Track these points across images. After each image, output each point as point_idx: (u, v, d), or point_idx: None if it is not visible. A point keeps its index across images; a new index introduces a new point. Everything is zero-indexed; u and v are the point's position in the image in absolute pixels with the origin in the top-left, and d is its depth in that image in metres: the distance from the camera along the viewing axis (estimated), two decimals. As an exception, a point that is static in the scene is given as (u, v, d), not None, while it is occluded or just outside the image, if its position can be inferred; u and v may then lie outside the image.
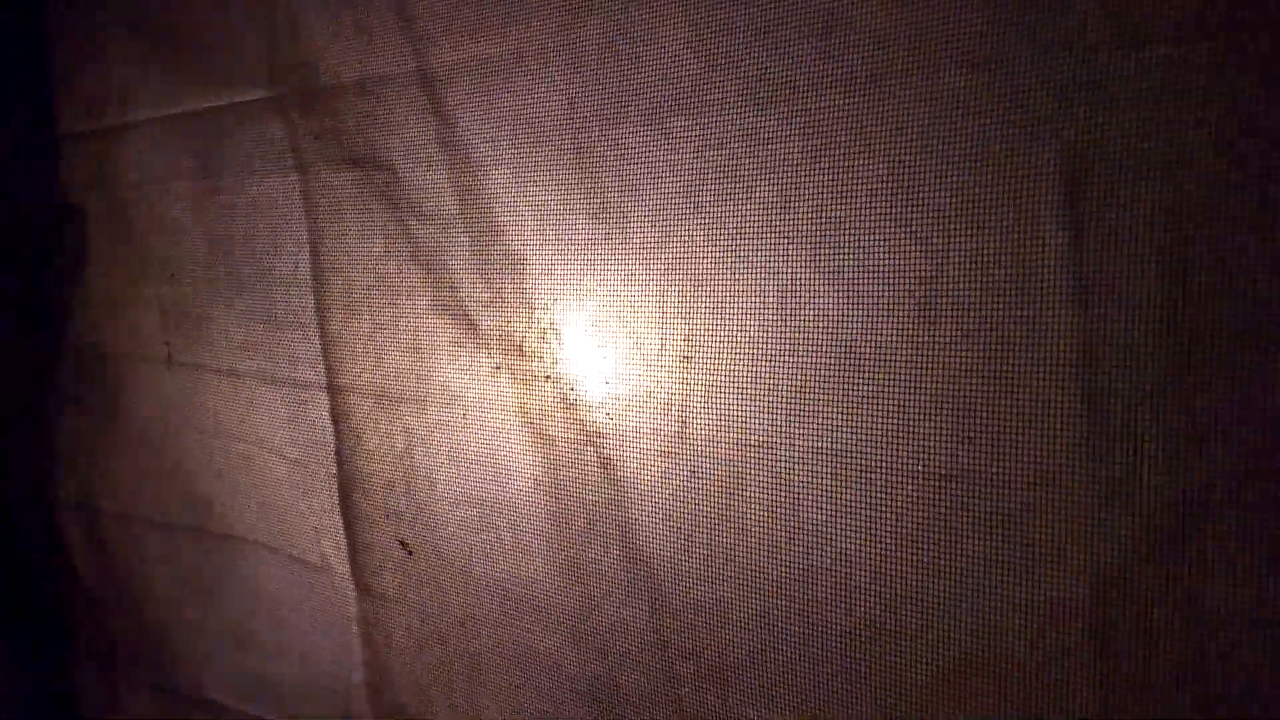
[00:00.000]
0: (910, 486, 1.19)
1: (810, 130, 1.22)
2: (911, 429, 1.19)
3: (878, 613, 1.23)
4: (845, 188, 1.21)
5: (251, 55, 1.83)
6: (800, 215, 1.24)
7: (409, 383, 1.69)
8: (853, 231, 1.21)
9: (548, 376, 1.52)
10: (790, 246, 1.26)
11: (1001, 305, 1.12)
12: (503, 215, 1.53)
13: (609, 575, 1.49)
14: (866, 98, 1.18)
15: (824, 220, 1.22)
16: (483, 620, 1.66)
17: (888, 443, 1.20)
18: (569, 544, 1.52)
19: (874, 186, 1.19)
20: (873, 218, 1.19)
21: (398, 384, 1.71)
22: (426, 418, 1.68)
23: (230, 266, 1.94)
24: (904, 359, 1.18)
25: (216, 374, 2.00)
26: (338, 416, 1.81)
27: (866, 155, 1.19)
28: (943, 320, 1.15)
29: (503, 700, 1.65)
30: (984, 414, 1.14)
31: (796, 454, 1.28)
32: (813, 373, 1.26)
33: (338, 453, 1.82)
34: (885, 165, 1.18)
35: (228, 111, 1.90)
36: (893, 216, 1.17)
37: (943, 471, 1.17)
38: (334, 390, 1.81)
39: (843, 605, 1.26)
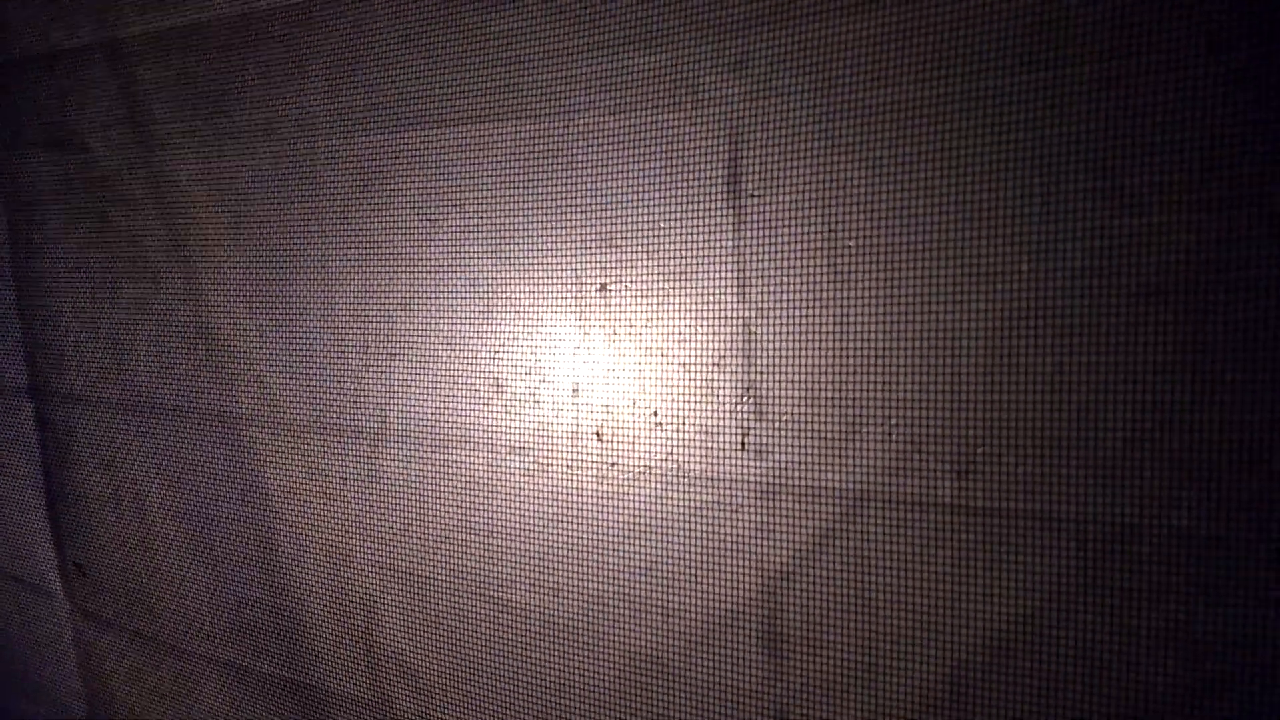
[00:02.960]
0: (590, 483, 1.13)
1: (482, 111, 1.15)
2: (586, 416, 1.13)
3: (568, 615, 1.17)
4: (518, 171, 1.13)
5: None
6: (473, 200, 1.17)
7: (114, 387, 1.54)
8: (520, 221, 1.14)
9: (254, 377, 1.40)
10: (469, 232, 1.18)
11: (673, 290, 1.07)
12: (195, 197, 1.40)
13: (319, 592, 1.38)
14: (543, 76, 1.11)
15: (494, 206, 1.15)
16: (195, 643, 1.53)
17: (567, 437, 1.14)
18: (278, 560, 1.41)
19: (536, 169, 1.12)
20: (546, 202, 1.12)
21: (102, 388, 1.56)
22: (133, 425, 1.53)
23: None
24: (579, 347, 1.12)
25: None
26: (43, 424, 1.64)
27: (538, 138, 1.12)
28: (617, 306, 1.10)
29: (220, 726, 1.53)
30: (666, 408, 1.08)
31: (489, 451, 1.20)
32: (487, 360, 1.19)
33: (44, 463, 1.65)
34: (557, 147, 1.11)
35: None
36: (566, 200, 1.11)
37: (637, 470, 1.11)
38: (38, 395, 1.64)
39: (527, 609, 1.20)
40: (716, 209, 1.03)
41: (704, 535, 1.07)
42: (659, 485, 1.09)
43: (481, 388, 1.20)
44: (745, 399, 1.03)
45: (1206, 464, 0.84)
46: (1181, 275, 0.83)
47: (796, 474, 1.01)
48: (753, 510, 1.04)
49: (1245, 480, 0.82)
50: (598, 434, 1.11)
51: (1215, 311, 0.82)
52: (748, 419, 1.03)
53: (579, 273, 1.12)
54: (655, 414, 1.10)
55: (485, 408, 1.21)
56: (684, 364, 1.06)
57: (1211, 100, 0.80)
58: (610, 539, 1.12)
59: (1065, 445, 0.89)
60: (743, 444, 1.03)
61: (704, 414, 1.06)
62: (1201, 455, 0.84)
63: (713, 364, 1.04)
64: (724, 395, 1.05)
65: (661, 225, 1.06)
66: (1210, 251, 0.82)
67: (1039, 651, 0.92)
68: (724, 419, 1.05)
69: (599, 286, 1.11)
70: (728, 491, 1.05)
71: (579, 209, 1.11)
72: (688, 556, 1.08)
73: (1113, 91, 0.84)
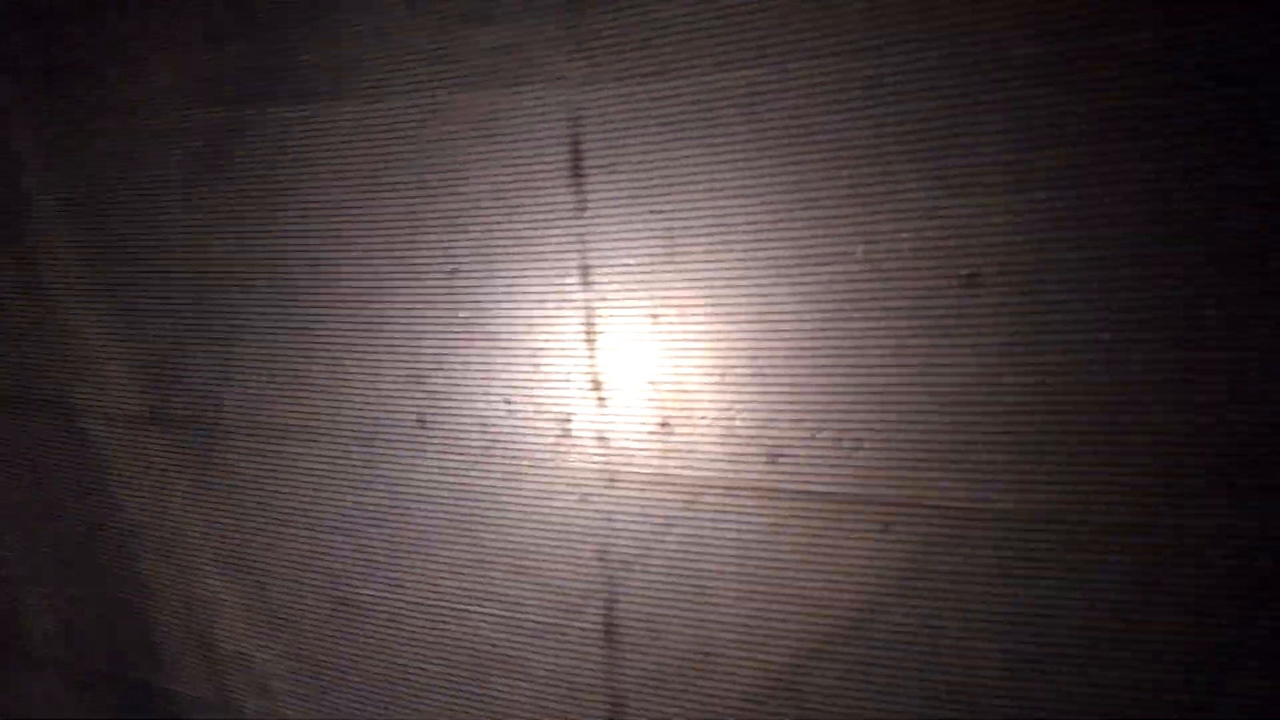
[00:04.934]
0: (426, 474, 1.10)
1: (321, 89, 1.11)
2: (428, 404, 1.10)
3: (410, 608, 1.14)
4: (357, 151, 1.10)
5: None
6: (310, 180, 1.13)
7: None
8: (361, 201, 1.10)
9: (93, 367, 1.33)
10: (307, 214, 1.14)
11: (520, 279, 1.04)
12: (31, 176, 1.32)
13: (159, 588, 1.32)
14: (384, 53, 1.07)
15: (334, 186, 1.11)
16: (29, 645, 1.45)
17: (409, 426, 1.11)
18: (115, 556, 1.34)
19: (377, 149, 1.08)
20: (387, 182, 1.09)
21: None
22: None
23: None
24: (426, 331, 1.09)
25: None
26: None
27: (378, 117, 1.08)
28: (465, 292, 1.07)
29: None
30: (519, 393, 1.06)
31: (330, 441, 1.16)
32: (325, 345, 1.14)
33: None
34: (398, 126, 1.07)
35: None
36: (408, 181, 1.08)
37: (461, 460, 1.08)
38: None
39: (369, 603, 1.16)
40: (558, 191, 1.01)
41: (546, 524, 1.05)
42: (500, 474, 1.06)
43: (321, 376, 1.16)
44: (589, 385, 1.01)
45: (1034, 445, 0.85)
46: (1005, 257, 0.84)
47: (639, 461, 1.00)
48: (598, 500, 1.02)
49: (1070, 460, 0.84)
50: (420, 420, 1.08)
51: (1039, 293, 0.84)
52: (593, 405, 1.02)
53: (427, 255, 1.08)
54: (508, 402, 1.07)
55: (324, 396, 1.16)
56: (531, 350, 1.04)
57: (1034, 84, 0.82)
58: (452, 530, 1.10)
59: (898, 429, 0.89)
60: (636, 429, 1.01)
61: (552, 401, 1.04)
62: (1028, 437, 0.85)
63: (560, 350, 1.02)
64: (571, 382, 1.03)
65: (508, 206, 1.04)
66: (1033, 233, 0.83)
67: (874, 635, 0.93)
68: (572, 406, 1.03)
69: (450, 270, 1.08)
70: (573, 480, 1.03)
71: (424, 188, 1.07)
72: (530, 547, 1.06)
73: (940, 76, 0.85)
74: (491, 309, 1.06)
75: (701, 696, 1.00)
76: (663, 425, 0.99)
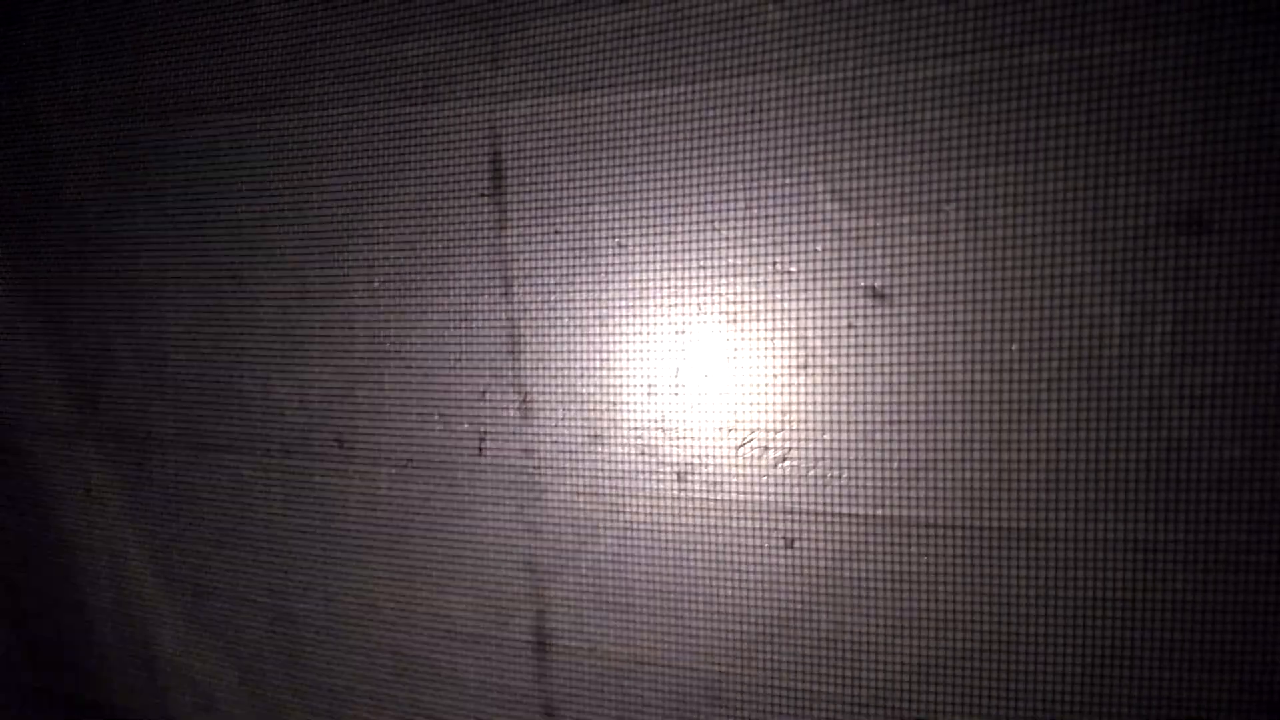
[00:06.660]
0: (361, 485, 1.11)
1: (240, 100, 1.10)
2: (343, 419, 1.10)
3: (342, 619, 1.14)
4: (273, 162, 1.09)
5: None
6: (225, 192, 1.12)
7: None
8: (277, 213, 1.10)
9: (19, 379, 1.32)
10: (224, 228, 1.13)
11: (443, 295, 1.04)
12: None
13: (97, 602, 1.31)
14: (308, 63, 1.07)
15: (249, 198, 1.11)
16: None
17: (330, 441, 1.11)
18: (51, 572, 1.33)
19: (293, 160, 1.08)
20: (305, 195, 1.08)
21: None
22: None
23: None
24: (353, 346, 1.09)
25: None
26: None
27: (299, 130, 1.08)
28: (389, 307, 1.07)
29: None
30: (446, 407, 1.06)
31: (264, 454, 1.16)
32: (250, 357, 1.14)
33: None
34: (318, 138, 1.07)
35: None
36: (328, 193, 1.07)
37: (389, 473, 1.09)
38: None
39: (303, 615, 1.16)
40: (480, 205, 1.01)
41: (473, 535, 1.06)
42: (429, 487, 1.07)
43: (248, 389, 1.16)
44: (515, 399, 1.02)
45: (941, 459, 0.87)
46: (906, 274, 0.86)
47: (564, 473, 1.01)
48: (523, 501, 1.03)
49: (976, 469, 0.86)
50: (339, 441, 1.08)
51: (938, 310, 0.85)
52: (518, 419, 1.02)
53: (351, 269, 1.08)
54: (438, 415, 1.07)
55: (252, 410, 1.16)
56: (456, 363, 1.05)
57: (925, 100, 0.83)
58: (382, 541, 1.10)
59: (812, 441, 0.91)
60: (556, 437, 1.01)
61: (478, 415, 1.04)
62: (934, 451, 0.87)
63: (485, 364, 1.03)
64: (493, 389, 1.03)
65: (430, 221, 1.04)
66: (931, 251, 0.85)
67: (792, 642, 0.95)
68: (498, 420, 1.04)
69: (374, 285, 1.08)
70: (499, 491, 1.04)
71: (348, 203, 1.07)
72: (458, 557, 1.07)
73: (851, 93, 0.86)
74: (416, 323, 1.06)
75: (630, 703, 1.01)
76: (585, 437, 1.00)
